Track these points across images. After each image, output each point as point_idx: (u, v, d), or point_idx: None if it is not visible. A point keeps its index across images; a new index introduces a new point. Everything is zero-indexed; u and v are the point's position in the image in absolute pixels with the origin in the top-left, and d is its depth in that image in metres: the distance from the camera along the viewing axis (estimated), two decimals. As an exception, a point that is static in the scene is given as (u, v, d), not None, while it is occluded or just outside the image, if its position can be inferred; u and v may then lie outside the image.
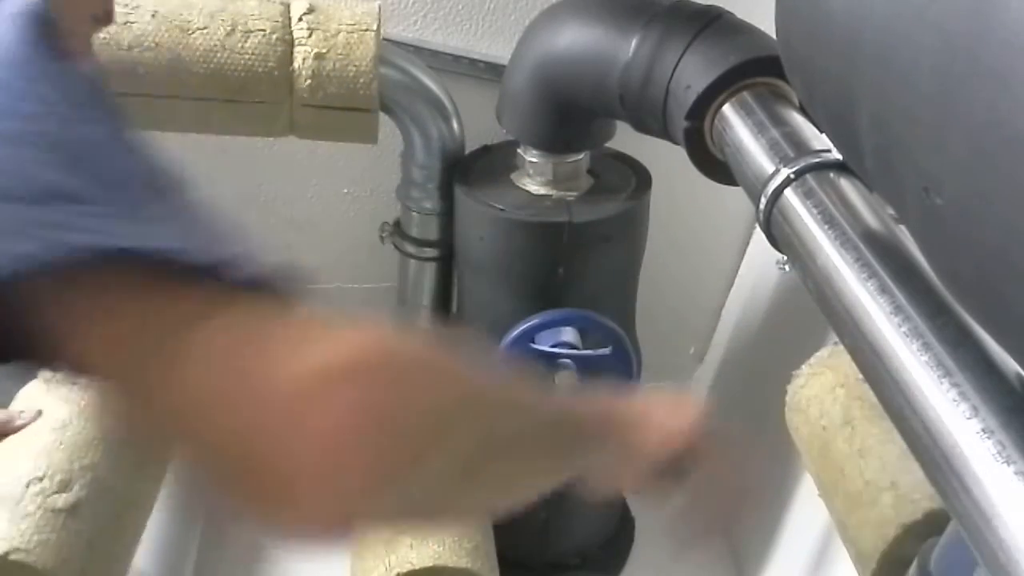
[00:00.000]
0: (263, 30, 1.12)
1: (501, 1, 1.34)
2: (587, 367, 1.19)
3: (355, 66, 1.15)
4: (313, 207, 1.47)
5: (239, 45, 1.11)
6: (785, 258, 0.74)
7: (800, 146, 0.78)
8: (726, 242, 1.60)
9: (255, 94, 1.13)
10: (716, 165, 0.96)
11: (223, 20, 1.11)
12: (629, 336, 1.23)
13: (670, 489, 0.69)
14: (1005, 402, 0.48)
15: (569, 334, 1.20)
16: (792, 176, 0.73)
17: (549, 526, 1.41)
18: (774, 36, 0.67)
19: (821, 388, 1.08)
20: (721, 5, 1.04)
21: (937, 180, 0.44)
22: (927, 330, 0.54)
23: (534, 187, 1.23)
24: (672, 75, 0.98)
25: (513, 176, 1.26)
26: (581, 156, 1.23)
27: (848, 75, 0.53)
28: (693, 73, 0.95)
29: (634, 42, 1.03)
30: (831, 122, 0.62)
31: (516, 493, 0.56)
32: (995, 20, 0.38)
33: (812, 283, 0.66)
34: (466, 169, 1.28)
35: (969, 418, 0.48)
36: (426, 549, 1.15)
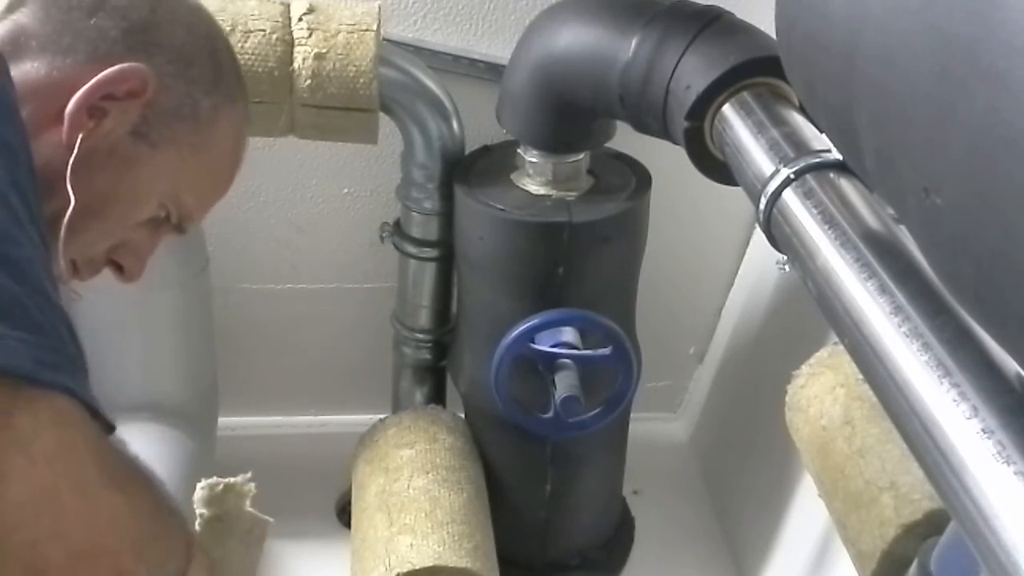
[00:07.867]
0: (263, 30, 1.12)
1: (501, 1, 1.33)
2: (587, 367, 1.19)
3: (355, 66, 1.14)
4: (313, 207, 1.47)
5: (239, 45, 1.11)
6: (785, 258, 0.74)
7: (800, 146, 0.78)
8: (726, 242, 1.60)
9: (255, 94, 1.13)
10: (716, 165, 0.96)
11: (223, 20, 1.11)
12: (629, 336, 1.23)
13: None
14: (1005, 402, 0.48)
15: (569, 334, 1.20)
16: (792, 176, 0.73)
17: (549, 526, 1.41)
18: (774, 36, 0.67)
19: (821, 388, 1.08)
20: (721, 5, 1.04)
21: (937, 180, 0.45)
22: (927, 330, 0.54)
23: (534, 187, 1.23)
24: (672, 75, 0.98)
25: (513, 176, 1.26)
26: (581, 156, 1.23)
27: (848, 75, 0.53)
28: (693, 73, 0.95)
29: (634, 42, 1.03)
30: (831, 122, 0.62)
31: None
32: (994, 21, 0.38)
33: (812, 283, 0.66)
34: (466, 169, 1.28)
35: (969, 418, 0.48)
36: (426, 549, 1.15)
